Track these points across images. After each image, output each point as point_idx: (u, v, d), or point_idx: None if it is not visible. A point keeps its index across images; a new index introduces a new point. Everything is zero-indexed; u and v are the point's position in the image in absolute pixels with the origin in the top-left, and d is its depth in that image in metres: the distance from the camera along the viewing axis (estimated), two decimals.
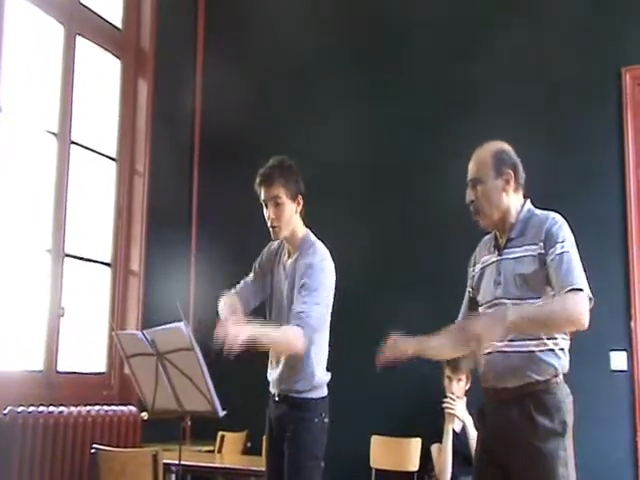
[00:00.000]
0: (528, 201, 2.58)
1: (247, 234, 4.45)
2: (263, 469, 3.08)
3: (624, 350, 4.18)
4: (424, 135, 4.83)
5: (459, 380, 4.17)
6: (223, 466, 4.28)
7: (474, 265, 2.69)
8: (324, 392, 2.91)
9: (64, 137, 4.62)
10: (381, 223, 4.85)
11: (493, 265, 2.55)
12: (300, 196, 2.98)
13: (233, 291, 3.09)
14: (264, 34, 5.53)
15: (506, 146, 2.60)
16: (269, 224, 2.95)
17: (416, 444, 4.36)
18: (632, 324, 4.19)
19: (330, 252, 2.98)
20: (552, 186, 4.11)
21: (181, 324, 2.73)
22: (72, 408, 4.16)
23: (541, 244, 2.42)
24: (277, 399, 2.93)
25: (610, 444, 4.07)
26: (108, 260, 4.97)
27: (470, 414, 4.05)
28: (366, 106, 5.07)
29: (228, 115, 5.40)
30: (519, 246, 2.48)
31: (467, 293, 2.72)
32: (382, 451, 4.49)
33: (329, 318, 2.93)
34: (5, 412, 3.81)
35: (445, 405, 4.09)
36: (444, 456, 4.05)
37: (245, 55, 5.54)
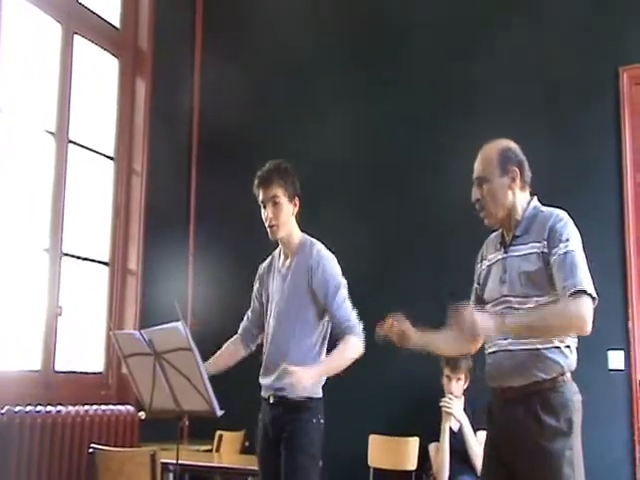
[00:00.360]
0: (535, 198, 2.56)
1: (245, 233, 4.46)
2: None
3: (622, 349, 4.19)
4: (422, 134, 4.83)
5: (458, 379, 4.17)
6: (221, 465, 4.28)
7: (481, 261, 2.67)
8: (319, 393, 2.93)
9: (62, 136, 4.61)
10: (379, 221, 4.84)
11: (499, 262, 2.53)
12: (297, 198, 3.02)
13: (239, 332, 3.19)
14: (262, 33, 5.52)
15: (512, 144, 2.57)
16: (267, 224, 2.99)
17: (414, 443, 4.36)
18: (630, 323, 4.19)
19: (328, 250, 3.02)
20: (550, 183, 4.07)
21: (179, 324, 2.72)
22: (70, 408, 4.16)
23: (544, 242, 2.39)
24: (272, 402, 2.95)
25: (607, 443, 4.07)
26: (106, 259, 4.96)
27: (467, 415, 4.06)
28: (364, 105, 5.07)
29: (226, 114, 5.40)
30: (525, 243, 2.46)
31: (474, 289, 2.69)
32: (380, 450, 4.48)
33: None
34: (3, 412, 3.81)
35: (442, 404, 4.10)
36: (442, 455, 4.05)
37: (243, 54, 5.54)
